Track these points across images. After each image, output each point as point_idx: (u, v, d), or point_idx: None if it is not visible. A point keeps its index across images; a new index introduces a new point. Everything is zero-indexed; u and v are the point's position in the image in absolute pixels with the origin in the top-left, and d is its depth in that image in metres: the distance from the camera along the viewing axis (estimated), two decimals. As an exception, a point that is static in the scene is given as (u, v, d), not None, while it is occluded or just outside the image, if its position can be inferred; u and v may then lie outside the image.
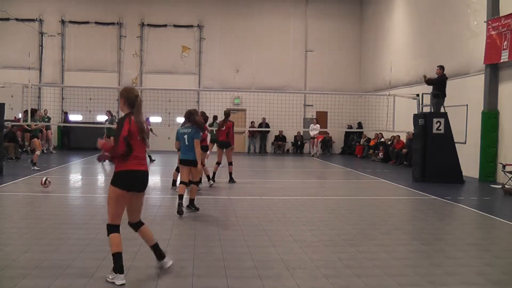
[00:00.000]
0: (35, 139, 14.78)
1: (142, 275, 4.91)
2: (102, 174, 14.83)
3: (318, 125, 22.80)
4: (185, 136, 8.22)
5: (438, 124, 13.51)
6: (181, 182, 8.36)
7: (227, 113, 12.45)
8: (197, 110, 8.70)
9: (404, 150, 18.41)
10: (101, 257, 5.41)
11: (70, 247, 5.88)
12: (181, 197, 8.09)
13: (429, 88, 14.41)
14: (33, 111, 15.12)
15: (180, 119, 23.40)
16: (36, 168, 13.89)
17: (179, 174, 8.76)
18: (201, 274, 4.97)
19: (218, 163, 12.26)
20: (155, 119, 24.51)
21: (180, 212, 7.90)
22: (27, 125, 16.75)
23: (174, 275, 4.95)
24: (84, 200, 9.71)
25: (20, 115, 18.84)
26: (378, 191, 11.98)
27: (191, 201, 8.39)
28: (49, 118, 21.39)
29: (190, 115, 8.30)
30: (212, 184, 11.63)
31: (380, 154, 20.43)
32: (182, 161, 8.37)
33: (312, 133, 22.93)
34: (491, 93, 14.04)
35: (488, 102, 14.08)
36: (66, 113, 23.30)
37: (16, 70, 22.07)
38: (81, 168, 15.77)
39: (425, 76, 14.15)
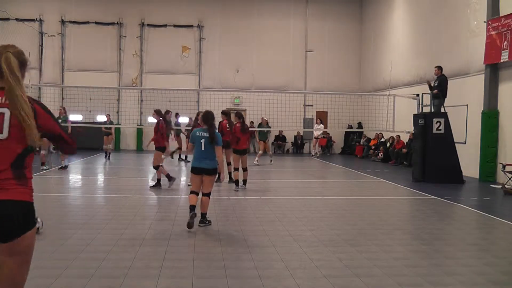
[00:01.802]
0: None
1: (142, 275, 4.91)
2: (102, 174, 14.84)
3: (322, 125, 22.81)
4: (202, 141, 7.15)
5: (438, 124, 13.51)
6: (191, 192, 7.25)
7: (226, 113, 12.22)
8: (213, 113, 7.46)
9: (404, 150, 18.42)
10: (101, 257, 5.41)
11: (70, 247, 5.88)
12: (192, 208, 7.05)
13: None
14: None
15: (181, 119, 23.49)
16: (45, 168, 13.93)
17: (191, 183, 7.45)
18: (201, 274, 4.97)
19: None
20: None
21: (190, 224, 6.87)
22: None
23: (174, 275, 4.95)
24: (84, 200, 9.71)
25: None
26: (378, 191, 11.98)
27: (203, 215, 7.23)
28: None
29: (208, 120, 7.25)
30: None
31: (380, 154, 20.43)
32: (194, 169, 7.19)
33: (316, 133, 22.93)
34: (491, 93, 14.04)
35: (488, 102, 14.08)
36: None
37: (16, 70, 22.04)
38: (81, 168, 15.77)
39: (429, 85, 14.03)
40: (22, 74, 2.70)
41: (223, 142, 11.64)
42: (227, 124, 11.97)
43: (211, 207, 8.43)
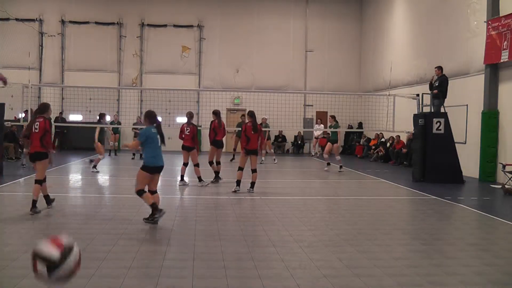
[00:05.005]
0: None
1: (142, 275, 4.90)
2: (102, 174, 14.82)
3: (322, 125, 22.78)
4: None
5: (438, 124, 13.50)
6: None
7: (216, 112, 12.81)
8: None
9: (404, 150, 18.42)
10: (101, 257, 5.41)
11: (70, 247, 5.87)
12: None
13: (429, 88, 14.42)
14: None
15: (180, 119, 23.47)
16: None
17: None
18: (201, 274, 4.97)
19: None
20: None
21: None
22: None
23: (174, 275, 4.95)
24: (84, 200, 9.71)
25: (20, 115, 18.81)
26: (378, 191, 11.98)
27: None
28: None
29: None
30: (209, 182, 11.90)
31: (380, 153, 20.41)
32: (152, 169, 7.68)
33: (316, 133, 22.91)
34: (491, 93, 14.04)
35: (488, 102, 14.08)
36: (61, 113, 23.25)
37: (16, 70, 22.03)
38: (81, 168, 15.77)
39: (430, 84, 14.08)
40: None
41: (216, 141, 12.43)
42: (217, 123, 12.52)
43: (212, 207, 8.42)
